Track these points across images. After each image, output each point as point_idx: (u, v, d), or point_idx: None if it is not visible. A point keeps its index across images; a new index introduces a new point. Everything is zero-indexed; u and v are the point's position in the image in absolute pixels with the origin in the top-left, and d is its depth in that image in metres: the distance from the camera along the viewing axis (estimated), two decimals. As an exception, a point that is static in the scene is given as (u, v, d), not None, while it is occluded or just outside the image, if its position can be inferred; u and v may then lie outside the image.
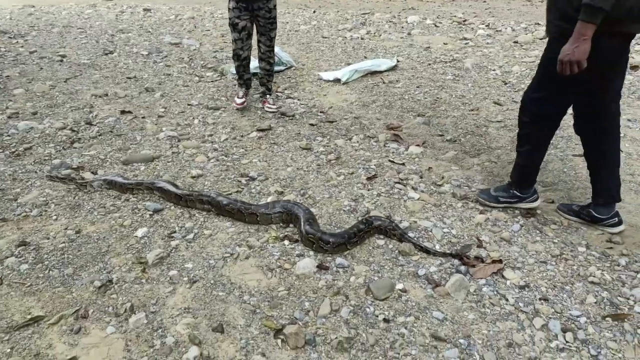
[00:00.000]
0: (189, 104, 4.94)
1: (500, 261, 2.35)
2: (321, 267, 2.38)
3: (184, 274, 2.33)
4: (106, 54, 7.39)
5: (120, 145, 3.93)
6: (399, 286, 2.24)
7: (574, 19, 2.10)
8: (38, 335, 1.97)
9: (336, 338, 1.92)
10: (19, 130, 4.19)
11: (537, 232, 2.61)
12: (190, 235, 2.65)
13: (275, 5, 4.34)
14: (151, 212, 2.88)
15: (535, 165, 2.71)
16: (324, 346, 1.91)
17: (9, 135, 4.09)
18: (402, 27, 8.44)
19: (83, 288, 2.25)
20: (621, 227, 2.55)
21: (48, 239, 2.64)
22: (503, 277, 2.28)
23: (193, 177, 3.34)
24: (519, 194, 2.76)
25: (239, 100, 4.69)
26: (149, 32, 9.40)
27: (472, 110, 4.40)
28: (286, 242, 2.59)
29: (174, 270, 2.36)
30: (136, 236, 2.65)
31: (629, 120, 3.99)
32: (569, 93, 2.41)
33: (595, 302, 2.10)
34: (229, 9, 4.25)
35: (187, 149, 3.81)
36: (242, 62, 4.52)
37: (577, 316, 2.02)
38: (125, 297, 2.18)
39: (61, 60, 7.10)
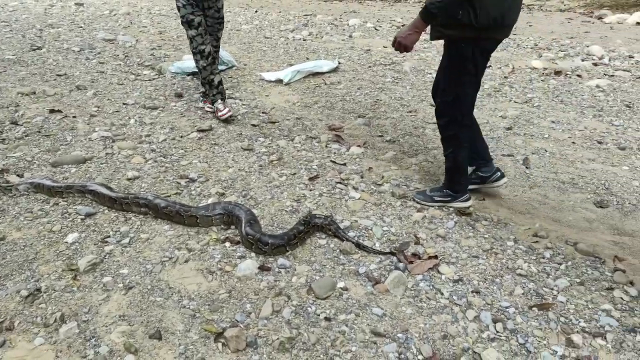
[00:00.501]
0: (124, 103, 4.76)
1: (436, 257, 2.45)
2: (263, 269, 2.36)
3: (118, 280, 2.24)
4: (34, 50, 6.96)
5: (49, 146, 3.72)
6: (340, 285, 2.27)
7: (449, 26, 2.47)
8: (-45, 352, 1.83)
9: (278, 339, 1.92)
10: None
11: (470, 228, 2.74)
12: (126, 240, 2.55)
13: (223, 5, 4.32)
14: (83, 217, 2.74)
15: (460, 166, 2.85)
16: (265, 347, 1.90)
17: None
18: (344, 30, 8.56)
19: (8, 298, 2.11)
20: (505, 180, 3.02)
21: (-33, 247, 2.45)
22: (439, 272, 2.37)
23: (129, 179, 3.21)
24: (452, 192, 2.89)
25: (225, 110, 4.23)
26: (81, 27, 8.95)
27: (410, 111, 4.54)
28: (227, 244, 2.55)
29: (108, 277, 2.26)
30: (66, 242, 2.52)
31: (552, 122, 4.26)
32: (470, 90, 2.71)
33: (523, 293, 2.23)
34: (178, 7, 4.04)
35: (122, 150, 3.66)
36: (208, 58, 4.15)
37: (506, 307, 2.14)
38: (55, 307, 2.07)
39: (-18, 55, 6.61)
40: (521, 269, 2.39)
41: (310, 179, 3.28)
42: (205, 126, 4.14)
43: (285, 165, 3.48)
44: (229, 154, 3.66)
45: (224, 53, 5.97)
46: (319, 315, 2.08)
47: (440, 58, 2.80)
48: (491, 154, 3.63)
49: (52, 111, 4.43)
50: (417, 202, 2.96)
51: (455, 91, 2.68)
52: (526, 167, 3.44)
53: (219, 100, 4.34)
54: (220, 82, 4.33)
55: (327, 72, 5.67)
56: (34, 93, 4.99)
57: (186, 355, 1.85)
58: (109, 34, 8.09)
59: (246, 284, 2.25)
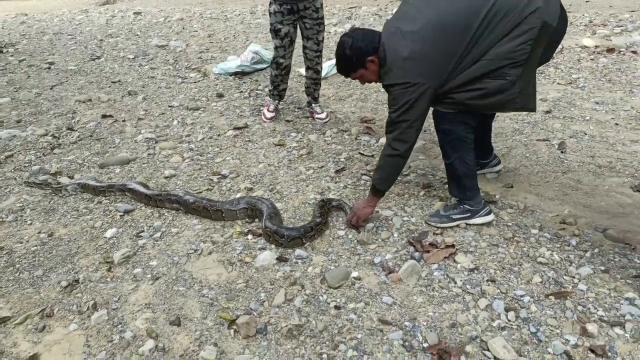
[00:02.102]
0: (169, 106, 5.03)
1: (452, 246, 2.42)
2: (280, 260, 2.45)
3: (147, 272, 2.42)
4: (93, 60, 7.48)
5: (98, 149, 4.02)
6: (354, 274, 2.31)
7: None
8: (4, 335, 2.07)
9: (286, 326, 2.00)
10: (2, 138, 4.29)
11: (493, 215, 2.67)
12: (158, 234, 2.74)
13: (322, 4, 3.87)
14: (122, 213, 2.97)
15: (471, 170, 2.57)
16: (274, 334, 1.99)
17: (-8, 145, 4.20)
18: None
19: (50, 288, 2.34)
20: (501, 165, 3.11)
21: (21, 243, 2.74)
22: (454, 261, 2.34)
23: (166, 178, 3.42)
24: (470, 207, 2.59)
25: (269, 114, 4.39)
26: (138, 35, 9.48)
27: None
28: (249, 236, 2.67)
29: (139, 268, 2.44)
30: (105, 237, 2.74)
31: (596, 103, 4.01)
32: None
33: (541, 282, 2.16)
34: (270, 13, 3.83)
35: (163, 150, 3.90)
36: (281, 70, 4.11)
37: (521, 296, 2.09)
38: (89, 296, 2.27)
39: (49, 68, 7.20)
40: (543, 257, 2.31)
41: (337, 171, 3.32)
42: (241, 124, 4.29)
43: (313, 159, 3.55)
44: (260, 149, 3.78)
45: (264, 52, 6.12)
46: (329, 303, 2.13)
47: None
48: (525, 139, 3.52)
49: (104, 116, 4.78)
50: (433, 226, 2.63)
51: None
52: (561, 152, 3.28)
53: (276, 102, 4.41)
54: (284, 89, 4.35)
55: (364, 64, 5.64)
56: (90, 100, 5.40)
57: (201, 340, 1.98)
58: (162, 40, 8.53)
59: (263, 274, 2.35)
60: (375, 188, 2.56)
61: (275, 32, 3.88)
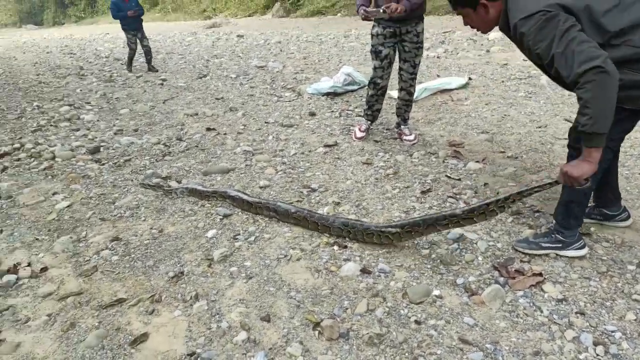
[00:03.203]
0: (265, 122, 5.39)
1: (540, 274, 2.38)
2: (364, 271, 2.57)
3: (242, 271, 2.65)
4: (200, 78, 8.19)
5: (202, 158, 4.43)
6: (436, 292, 2.36)
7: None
8: (120, 314, 2.37)
9: (367, 333, 2.10)
10: (122, 144, 4.86)
11: (587, 249, 2.58)
12: (252, 238, 2.97)
13: (423, 30, 3.98)
14: (221, 217, 3.25)
15: (587, 198, 2.44)
16: (355, 340, 2.10)
17: (113, 149, 4.78)
18: (482, 45, 8.38)
19: (159, 277, 2.64)
20: (631, 220, 2.75)
21: (136, 236, 3.11)
22: (542, 290, 2.31)
23: (261, 187, 3.69)
24: (563, 238, 2.48)
25: (359, 134, 4.51)
26: (239, 56, 10.21)
27: (539, 127, 4.35)
28: (335, 247, 2.81)
29: (235, 267, 2.68)
30: (207, 236, 3.03)
31: None
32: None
33: (635, 320, 2.07)
34: (372, 35, 4.02)
35: (259, 162, 4.20)
36: (377, 91, 4.26)
37: (612, 331, 2.01)
38: (192, 287, 2.53)
39: (162, 84, 8.00)
40: (638, 294, 2.21)
41: (423, 192, 3.39)
42: (331, 142, 4.50)
43: (400, 179, 3.64)
44: (349, 167, 3.95)
45: (356, 74, 6.35)
46: (409, 317, 2.20)
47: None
48: (627, 172, 3.35)
49: (208, 129, 5.24)
50: (521, 252, 2.56)
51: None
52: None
53: (369, 122, 4.56)
54: (378, 110, 4.48)
55: (455, 89, 5.67)
56: (197, 114, 5.93)
57: (288, 337, 2.14)
58: (261, 62, 9.12)
59: (347, 284, 2.48)
60: (587, 135, 1.93)
61: (376, 53, 4.05)
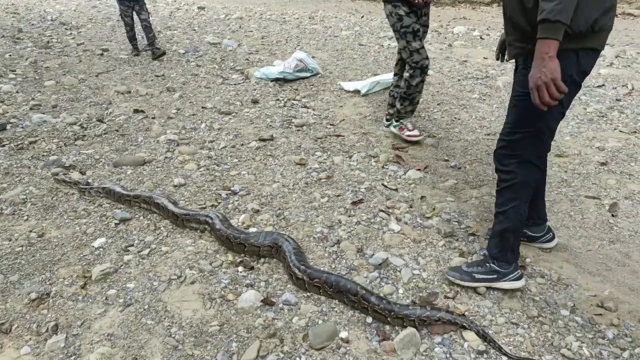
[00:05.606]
0: (202, 107, 4.90)
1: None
2: (266, 302, 2.19)
3: (121, 295, 2.22)
4: (145, 51, 7.54)
5: (119, 145, 3.93)
6: (343, 334, 2.01)
7: (530, 38, 1.81)
8: (-46, 347, 1.93)
9: (248, 391, 1.74)
10: (32, 123, 4.30)
11: (524, 280, 2.28)
12: (146, 251, 2.55)
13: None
14: (117, 221, 2.81)
15: (522, 226, 2.22)
16: (232, 399, 1.73)
17: (21, 128, 4.21)
18: (446, 38, 8.04)
19: (18, 299, 2.19)
20: (555, 241, 2.57)
21: (10, 240, 2.63)
22: (462, 337, 1.99)
23: (174, 186, 3.25)
24: (498, 268, 2.22)
25: (416, 132, 3.89)
26: (195, 30, 9.55)
27: (488, 134, 4.04)
28: (240, 268, 2.42)
29: (113, 290, 2.25)
30: (93, 246, 2.58)
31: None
32: (554, 124, 2.06)
33: (562, 385, 1.78)
34: (400, 15, 3.51)
35: (181, 155, 3.74)
36: (425, 76, 3.71)
37: (534, 400, 1.71)
38: (54, 315, 2.10)
39: (102, 54, 7.34)
40: (569, 348, 1.91)
41: (353, 202, 3.02)
42: (267, 135, 4.07)
43: (332, 185, 3.26)
44: (279, 167, 3.54)
45: (309, 60, 5.91)
46: (304, 369, 1.85)
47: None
48: (572, 193, 3.09)
49: (136, 111, 4.71)
50: (451, 280, 2.29)
51: (535, 125, 2.01)
52: (612, 215, 2.82)
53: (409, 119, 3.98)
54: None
55: (411, 84, 5.30)
56: (129, 92, 5.37)
57: (151, 391, 1.75)
58: (215, 38, 8.52)
59: (242, 318, 2.09)
60: (550, 24, 1.67)
61: (414, 33, 3.53)
